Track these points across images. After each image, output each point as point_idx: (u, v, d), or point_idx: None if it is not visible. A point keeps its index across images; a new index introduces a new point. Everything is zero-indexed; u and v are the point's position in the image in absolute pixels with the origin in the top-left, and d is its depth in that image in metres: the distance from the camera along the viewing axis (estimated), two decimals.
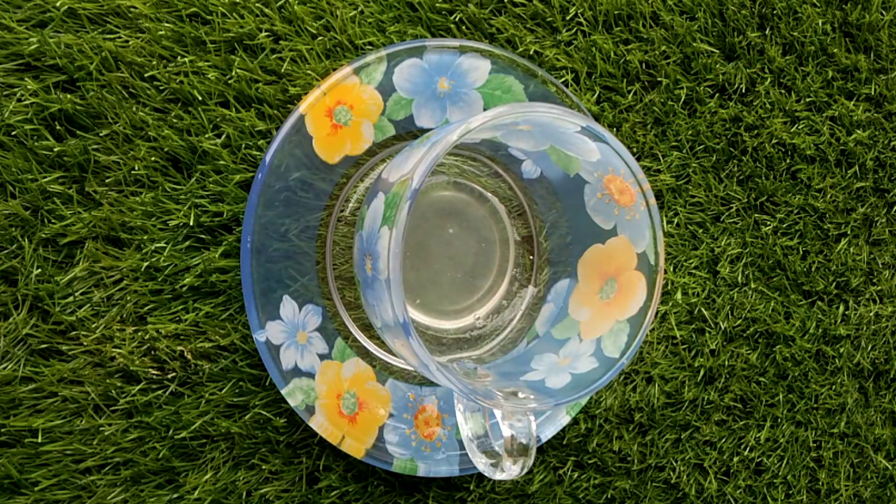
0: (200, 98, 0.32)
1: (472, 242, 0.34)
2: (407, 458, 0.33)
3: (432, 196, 0.34)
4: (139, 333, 0.32)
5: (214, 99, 0.33)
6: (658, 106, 0.38)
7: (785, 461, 0.40)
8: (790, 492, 0.40)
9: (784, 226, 0.40)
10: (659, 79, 0.38)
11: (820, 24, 0.39)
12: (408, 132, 0.33)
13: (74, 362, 0.32)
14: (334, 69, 0.33)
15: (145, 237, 0.32)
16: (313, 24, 0.34)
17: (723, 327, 0.39)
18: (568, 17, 0.37)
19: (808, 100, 0.40)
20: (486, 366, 0.32)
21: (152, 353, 0.32)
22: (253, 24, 0.33)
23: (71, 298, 0.32)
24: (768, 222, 0.39)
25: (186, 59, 0.32)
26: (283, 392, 0.32)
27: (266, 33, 0.33)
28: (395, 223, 0.25)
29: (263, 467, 0.34)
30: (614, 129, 0.37)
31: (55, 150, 0.31)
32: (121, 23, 0.32)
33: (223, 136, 0.33)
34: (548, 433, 0.35)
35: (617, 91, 0.37)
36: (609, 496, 0.37)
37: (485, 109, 0.33)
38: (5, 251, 0.31)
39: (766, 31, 0.39)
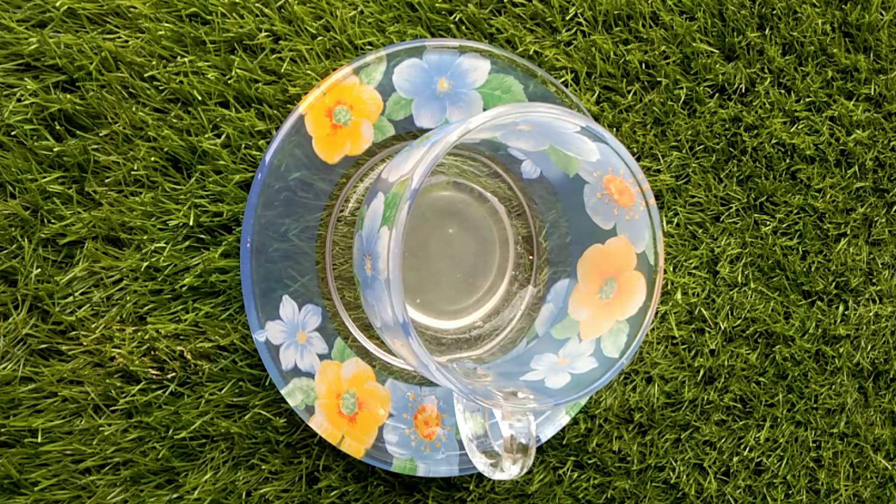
0: (200, 98, 0.32)
1: (471, 242, 0.34)
2: (406, 457, 0.33)
3: (432, 196, 0.34)
4: (139, 333, 0.32)
5: (214, 99, 0.33)
6: (658, 106, 0.38)
7: (784, 461, 0.40)
8: (790, 492, 0.40)
9: (784, 226, 0.40)
10: (659, 79, 0.38)
11: (819, 24, 0.39)
12: (407, 132, 0.33)
13: (74, 362, 0.32)
14: (334, 69, 0.33)
15: (145, 237, 0.32)
16: (313, 24, 0.34)
17: (722, 327, 0.39)
18: (568, 17, 0.37)
19: (807, 100, 0.40)
20: (486, 366, 0.32)
21: (152, 353, 0.32)
22: (253, 24, 0.33)
23: (71, 298, 0.32)
24: (768, 222, 0.39)
25: (186, 59, 0.32)
26: (282, 392, 0.32)
27: (266, 33, 0.33)
28: (394, 223, 0.25)
29: (263, 467, 0.34)
30: (614, 129, 0.37)
31: (55, 150, 0.31)
32: (121, 23, 0.32)
33: (223, 136, 0.33)
34: (547, 433, 0.35)
35: (617, 91, 0.37)
36: (609, 496, 0.37)
37: (484, 109, 0.33)
38: (5, 251, 0.31)
39: (766, 31, 0.39)
